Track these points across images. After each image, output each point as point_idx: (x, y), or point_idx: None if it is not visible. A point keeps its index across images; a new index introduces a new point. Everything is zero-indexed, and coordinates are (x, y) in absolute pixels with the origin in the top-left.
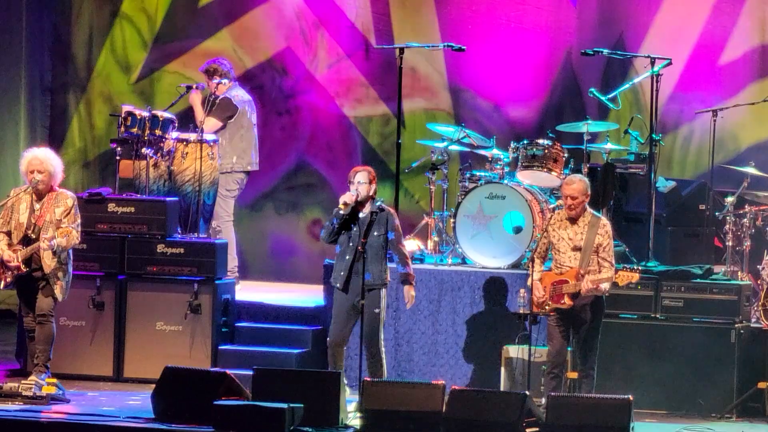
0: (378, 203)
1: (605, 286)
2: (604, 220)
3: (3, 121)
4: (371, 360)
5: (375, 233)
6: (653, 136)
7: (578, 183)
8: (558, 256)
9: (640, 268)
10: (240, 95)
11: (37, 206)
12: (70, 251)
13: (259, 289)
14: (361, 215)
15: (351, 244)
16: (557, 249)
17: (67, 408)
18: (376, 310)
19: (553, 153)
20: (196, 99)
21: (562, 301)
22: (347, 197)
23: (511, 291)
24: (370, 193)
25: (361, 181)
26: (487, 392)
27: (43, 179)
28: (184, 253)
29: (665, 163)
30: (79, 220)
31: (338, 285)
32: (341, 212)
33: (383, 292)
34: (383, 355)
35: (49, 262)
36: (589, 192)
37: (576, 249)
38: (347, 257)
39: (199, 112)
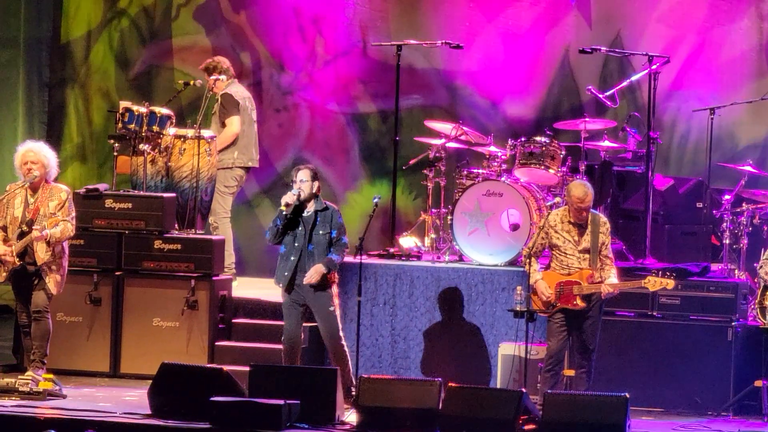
0: (323, 201)
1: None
2: (604, 218)
3: (1, 116)
4: (336, 357)
5: (320, 232)
6: (650, 133)
7: (590, 195)
8: (564, 258)
9: (674, 274)
10: (240, 92)
11: (31, 200)
12: (65, 245)
13: (256, 286)
14: (305, 214)
15: (296, 245)
16: (563, 251)
17: (63, 404)
18: (330, 308)
19: (550, 150)
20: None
21: (574, 303)
22: (288, 197)
23: (508, 288)
24: (314, 191)
25: (303, 179)
26: (484, 389)
27: (38, 170)
28: (181, 250)
29: (662, 160)
30: (73, 214)
31: (281, 285)
32: (284, 213)
33: (334, 289)
34: (347, 351)
35: (42, 255)
36: None
37: (584, 251)
38: (292, 258)
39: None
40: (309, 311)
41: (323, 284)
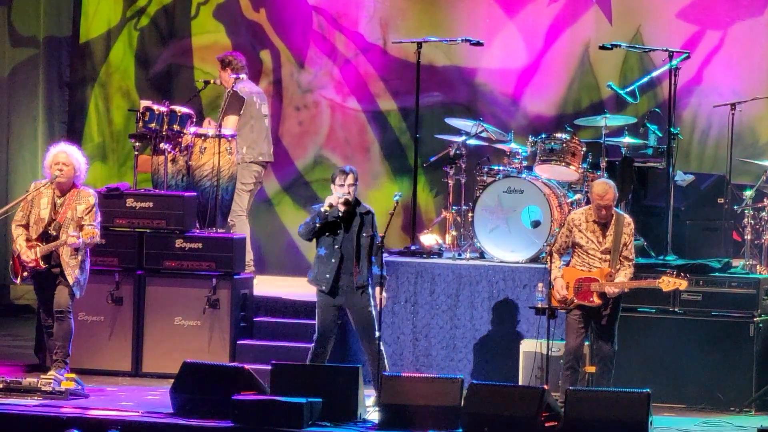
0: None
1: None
2: (628, 219)
3: (21, 116)
4: (372, 357)
5: (364, 234)
6: (671, 129)
7: (611, 192)
8: (586, 257)
9: (687, 275)
10: (247, 87)
11: (58, 202)
12: (87, 250)
13: (276, 284)
14: (345, 216)
15: (336, 246)
16: (585, 250)
17: (85, 403)
18: (369, 309)
19: (571, 147)
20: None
21: (591, 299)
22: (333, 199)
23: (529, 285)
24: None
25: (351, 183)
26: (506, 387)
27: (66, 173)
28: (202, 248)
29: (683, 156)
30: (99, 219)
31: (323, 287)
32: (333, 213)
33: (377, 290)
34: (383, 351)
35: (67, 259)
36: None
37: (606, 251)
38: (333, 260)
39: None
40: (342, 312)
41: (365, 285)
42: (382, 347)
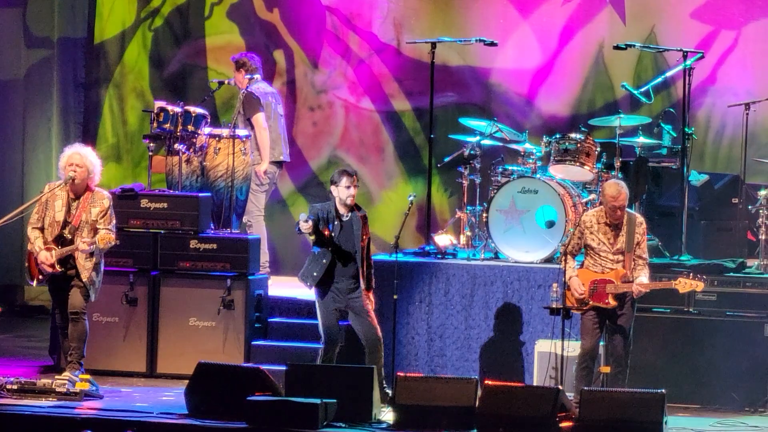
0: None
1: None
2: (640, 218)
3: (35, 117)
4: (371, 355)
5: (363, 236)
6: (686, 129)
7: (624, 193)
8: (598, 258)
9: (705, 277)
10: (262, 88)
11: (73, 205)
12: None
13: (291, 285)
14: (345, 219)
15: (330, 248)
16: (597, 252)
17: (100, 404)
18: (366, 311)
19: (585, 147)
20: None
21: (606, 301)
22: (305, 228)
23: (543, 285)
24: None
25: (356, 185)
26: (520, 387)
27: (80, 174)
28: (216, 249)
29: (697, 156)
30: (114, 221)
31: (307, 283)
32: (302, 231)
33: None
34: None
35: (83, 262)
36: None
37: (619, 252)
38: (324, 261)
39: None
40: (344, 311)
41: (358, 285)
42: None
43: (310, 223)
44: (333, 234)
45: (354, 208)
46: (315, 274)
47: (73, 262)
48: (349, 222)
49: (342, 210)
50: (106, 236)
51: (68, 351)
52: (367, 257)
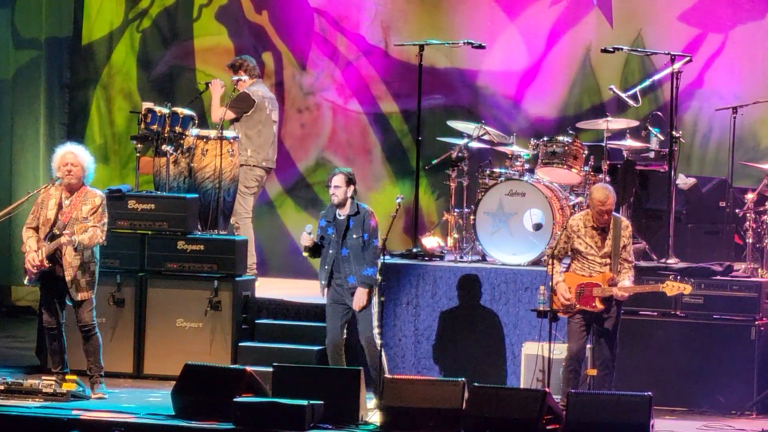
0: (357, 204)
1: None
2: (626, 221)
3: (23, 117)
4: (371, 357)
5: (354, 236)
6: (673, 132)
7: (611, 197)
8: (585, 262)
9: (692, 280)
10: (260, 91)
11: (66, 203)
12: (97, 252)
13: (279, 286)
14: (339, 218)
15: (331, 251)
16: (584, 255)
17: (87, 405)
18: (367, 307)
19: (573, 150)
20: (215, 89)
21: (593, 305)
22: (305, 240)
23: (531, 288)
24: (348, 196)
25: (337, 185)
26: (507, 389)
27: (77, 173)
28: (204, 250)
29: (685, 160)
30: (105, 220)
31: (322, 281)
32: (306, 254)
33: (372, 290)
34: (382, 351)
35: (70, 259)
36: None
37: (606, 255)
38: (326, 267)
39: (215, 105)
40: (348, 310)
41: (356, 286)
42: (377, 346)
43: (312, 237)
44: (317, 241)
45: (356, 208)
46: (323, 282)
47: (61, 259)
48: (341, 222)
49: (339, 210)
50: (91, 231)
51: (87, 367)
52: (359, 256)
